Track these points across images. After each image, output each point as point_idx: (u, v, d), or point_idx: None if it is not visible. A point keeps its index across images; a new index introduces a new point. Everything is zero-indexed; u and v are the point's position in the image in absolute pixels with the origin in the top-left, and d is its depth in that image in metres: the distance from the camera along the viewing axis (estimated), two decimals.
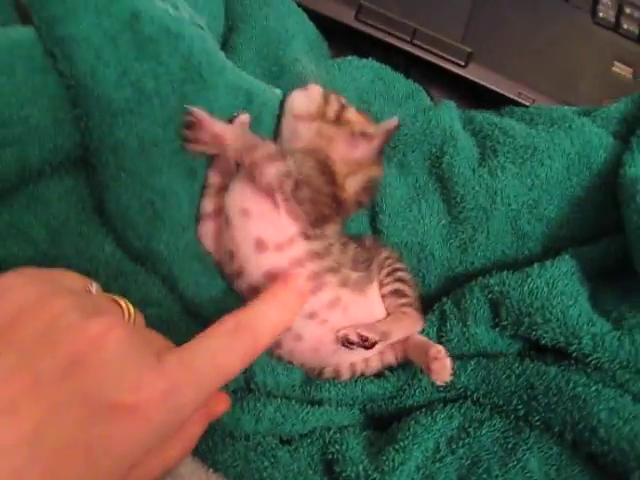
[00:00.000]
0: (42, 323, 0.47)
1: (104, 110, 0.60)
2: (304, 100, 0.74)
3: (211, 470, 0.64)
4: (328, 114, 0.72)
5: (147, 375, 0.47)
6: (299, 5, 0.88)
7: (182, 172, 0.63)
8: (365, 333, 0.67)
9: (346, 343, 0.67)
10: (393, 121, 0.71)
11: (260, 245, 0.66)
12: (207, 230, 0.71)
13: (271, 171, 0.64)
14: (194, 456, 0.65)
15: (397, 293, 0.72)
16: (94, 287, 0.55)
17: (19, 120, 0.58)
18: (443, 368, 0.65)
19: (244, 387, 0.70)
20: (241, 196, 0.67)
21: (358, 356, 0.71)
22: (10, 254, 0.62)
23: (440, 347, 0.66)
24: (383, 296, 0.72)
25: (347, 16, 0.91)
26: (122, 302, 0.55)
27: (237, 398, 0.67)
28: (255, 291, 0.64)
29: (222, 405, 0.61)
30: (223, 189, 0.70)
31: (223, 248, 0.70)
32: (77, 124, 0.62)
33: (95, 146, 0.62)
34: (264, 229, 0.66)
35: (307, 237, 0.67)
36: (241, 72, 0.73)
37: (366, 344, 0.67)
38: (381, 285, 0.73)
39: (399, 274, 0.74)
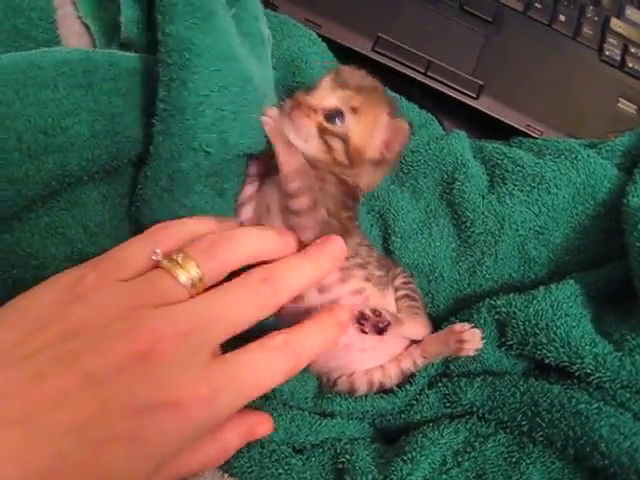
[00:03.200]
0: (95, 322, 0.51)
1: (185, 141, 0.63)
2: None
3: (227, 475, 0.66)
4: None
5: (192, 378, 0.51)
6: (319, 35, 0.90)
7: (214, 193, 0.66)
8: (378, 309, 0.70)
9: (361, 320, 0.69)
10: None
11: None
12: (247, 213, 0.73)
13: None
14: None
15: (409, 297, 0.76)
16: (159, 254, 0.56)
17: (60, 130, 0.61)
18: (474, 335, 0.71)
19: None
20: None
21: (373, 358, 0.74)
22: (49, 254, 0.65)
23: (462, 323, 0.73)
24: (396, 299, 0.76)
25: (365, 47, 0.94)
26: (187, 266, 0.56)
27: (254, 407, 0.69)
28: None
29: (264, 426, 0.64)
30: (260, 176, 0.74)
31: None
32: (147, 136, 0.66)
33: (157, 164, 0.65)
34: None
35: None
36: None
37: (379, 324, 0.69)
38: (395, 290, 0.76)
39: (411, 285, 0.78)
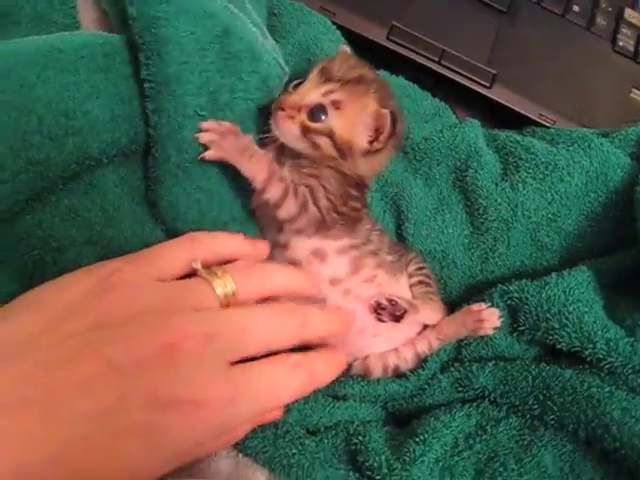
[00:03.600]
0: (126, 314, 0.52)
1: (179, 111, 0.64)
2: None
3: (241, 455, 0.67)
4: None
5: (214, 380, 0.52)
6: (334, 23, 0.91)
7: (231, 177, 0.67)
8: (394, 298, 0.71)
9: (378, 309, 0.71)
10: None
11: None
12: (259, 200, 0.71)
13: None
14: None
15: (423, 283, 0.77)
16: (198, 263, 0.59)
17: (81, 114, 0.62)
18: (492, 314, 0.73)
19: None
20: None
21: (387, 342, 0.75)
22: (69, 236, 0.66)
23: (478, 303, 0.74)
24: (411, 285, 0.77)
25: (380, 35, 0.94)
26: (224, 280, 0.58)
27: None
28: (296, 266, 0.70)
29: (274, 412, 0.65)
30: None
31: (272, 219, 0.71)
32: (146, 118, 0.66)
33: (161, 141, 0.65)
34: None
35: (350, 234, 0.72)
36: None
37: (396, 312, 0.71)
38: (409, 276, 0.77)
39: (425, 271, 0.78)
